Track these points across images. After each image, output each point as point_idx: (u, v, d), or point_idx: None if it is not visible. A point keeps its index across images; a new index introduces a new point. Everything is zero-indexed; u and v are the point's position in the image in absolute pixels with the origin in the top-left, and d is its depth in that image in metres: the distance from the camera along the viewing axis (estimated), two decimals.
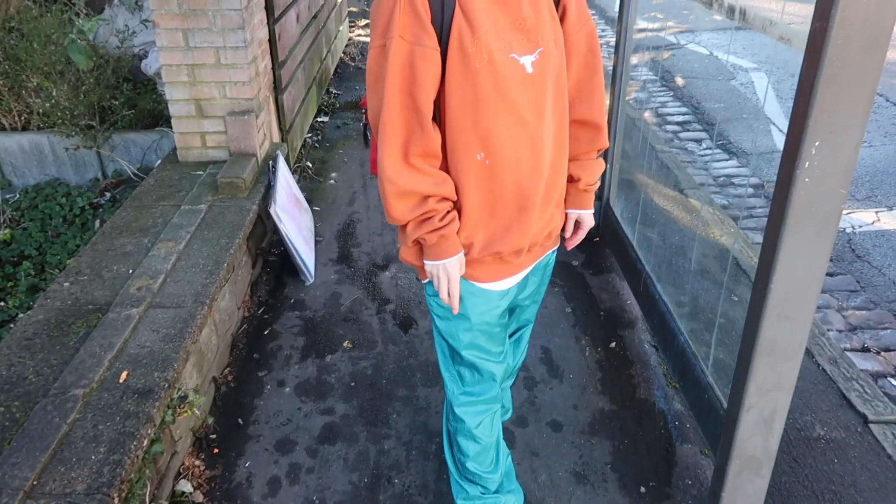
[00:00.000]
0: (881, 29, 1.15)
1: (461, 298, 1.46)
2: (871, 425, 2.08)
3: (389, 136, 1.26)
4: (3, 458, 1.59)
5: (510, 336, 1.78)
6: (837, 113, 1.21)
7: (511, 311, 1.68)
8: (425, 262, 1.41)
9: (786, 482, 1.90)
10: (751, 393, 1.48)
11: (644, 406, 2.24)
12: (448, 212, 1.34)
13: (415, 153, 1.28)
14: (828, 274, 3.06)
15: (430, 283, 1.46)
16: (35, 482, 1.55)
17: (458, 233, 1.38)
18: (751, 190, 3.89)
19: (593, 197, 1.59)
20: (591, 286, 2.84)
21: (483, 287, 1.47)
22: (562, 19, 1.36)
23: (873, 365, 2.60)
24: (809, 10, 1.20)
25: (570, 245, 1.63)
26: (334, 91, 5.12)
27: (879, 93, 4.98)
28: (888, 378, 2.53)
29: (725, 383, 1.78)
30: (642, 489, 1.95)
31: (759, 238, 3.26)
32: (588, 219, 1.58)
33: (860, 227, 3.44)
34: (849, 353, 2.51)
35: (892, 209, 3.59)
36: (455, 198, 1.36)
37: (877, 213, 3.56)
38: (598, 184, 1.59)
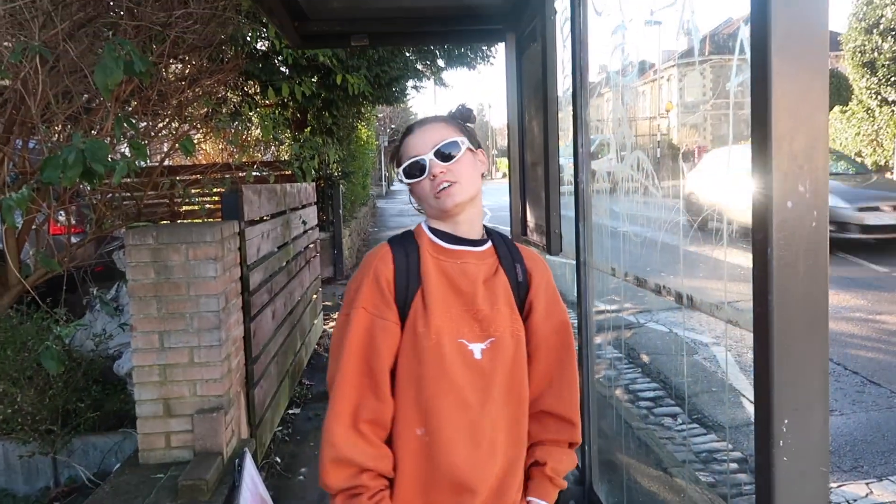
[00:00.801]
0: (819, 306, 1.23)
1: None
2: None
3: (340, 399, 1.28)
4: None
5: None
6: (797, 391, 1.23)
7: None
8: None
9: None
10: None
11: None
12: (380, 491, 1.28)
13: (363, 419, 1.28)
14: None
15: None
16: None
17: None
18: (734, 465, 3.78)
19: (556, 493, 1.47)
20: None
21: None
22: (529, 315, 1.43)
23: None
24: (750, 288, 1.28)
25: None
26: (307, 382, 5.13)
27: (837, 362, 5.16)
28: None
29: None
30: None
31: None
32: None
33: (854, 501, 3.30)
34: None
35: (881, 480, 3.49)
36: (392, 475, 1.31)
37: (867, 484, 3.44)
38: (564, 482, 1.47)
